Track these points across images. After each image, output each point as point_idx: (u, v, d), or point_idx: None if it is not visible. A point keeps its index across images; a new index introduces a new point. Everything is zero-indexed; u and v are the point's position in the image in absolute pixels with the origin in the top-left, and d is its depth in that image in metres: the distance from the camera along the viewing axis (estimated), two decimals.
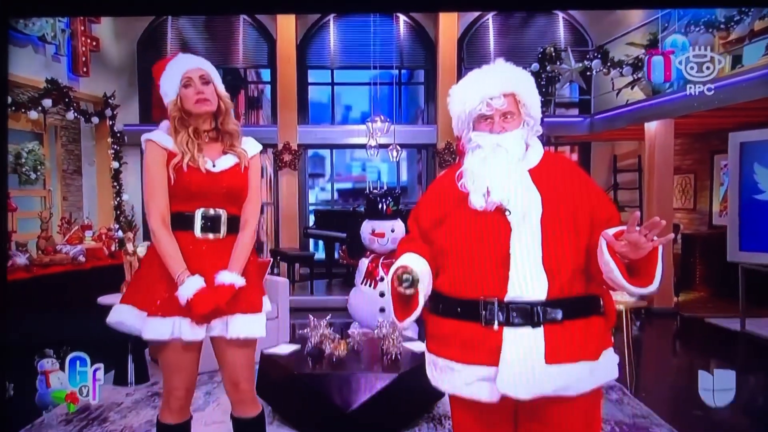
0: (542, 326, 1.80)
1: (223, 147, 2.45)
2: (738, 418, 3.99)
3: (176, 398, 2.44)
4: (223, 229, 2.41)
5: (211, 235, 2.40)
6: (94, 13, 7.92)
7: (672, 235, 1.75)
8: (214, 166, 2.39)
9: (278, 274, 8.50)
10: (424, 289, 1.90)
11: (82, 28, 8.21)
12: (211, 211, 2.39)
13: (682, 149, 9.16)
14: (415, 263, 1.92)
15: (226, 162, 2.42)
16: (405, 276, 1.83)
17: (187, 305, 2.27)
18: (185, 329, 2.32)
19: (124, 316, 2.38)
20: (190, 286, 2.28)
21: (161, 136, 2.41)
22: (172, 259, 2.32)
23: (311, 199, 10.48)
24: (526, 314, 1.80)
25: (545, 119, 8.17)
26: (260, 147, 2.57)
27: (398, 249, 2.11)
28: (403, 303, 1.93)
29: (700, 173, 8.85)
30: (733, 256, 6.13)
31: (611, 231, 1.78)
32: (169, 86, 2.42)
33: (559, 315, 1.81)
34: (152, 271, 2.39)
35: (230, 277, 2.34)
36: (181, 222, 2.38)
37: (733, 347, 6.16)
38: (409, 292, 1.84)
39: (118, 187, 8.75)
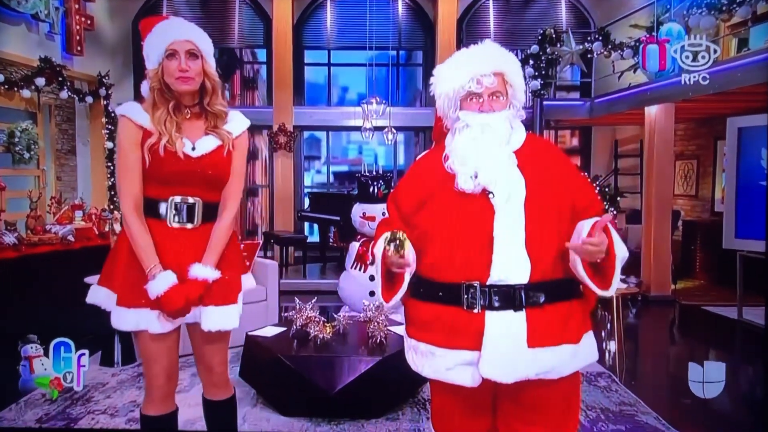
0: (524, 310, 1.79)
1: (206, 126, 2.24)
2: (729, 407, 3.97)
3: (157, 387, 2.32)
4: (198, 218, 2.25)
5: (184, 225, 2.24)
6: None
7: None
8: (193, 149, 2.20)
9: (272, 257, 8.47)
10: (410, 267, 1.87)
11: (77, 6, 8.12)
12: (185, 199, 2.23)
13: (685, 135, 9.06)
14: None
15: (207, 144, 2.23)
16: (392, 235, 1.79)
17: (156, 301, 2.15)
18: (153, 322, 2.20)
19: (100, 298, 2.28)
20: (160, 283, 2.14)
21: (136, 112, 2.19)
22: (144, 251, 2.17)
23: (307, 181, 10.44)
24: (508, 297, 1.79)
25: (545, 102, 8.09)
26: (247, 123, 2.36)
27: (377, 232, 2.08)
28: (389, 282, 1.92)
29: (703, 159, 8.76)
30: (729, 244, 6.07)
31: (587, 224, 1.79)
32: (152, 52, 2.20)
33: (541, 298, 1.80)
34: (123, 256, 2.24)
35: (203, 272, 2.20)
36: (153, 209, 2.22)
37: (729, 335, 6.12)
38: (393, 253, 1.79)
39: (112, 168, 8.70)
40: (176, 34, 2.19)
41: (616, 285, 1.81)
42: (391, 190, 2.21)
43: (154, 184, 2.21)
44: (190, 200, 2.24)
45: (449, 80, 1.92)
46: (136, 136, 2.17)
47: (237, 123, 2.33)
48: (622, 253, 1.79)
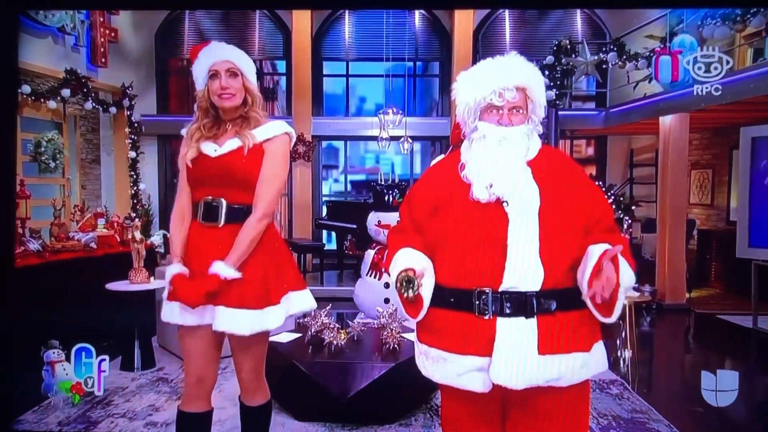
0: (535, 317, 1.80)
1: (235, 131, 2.40)
2: (743, 416, 3.95)
3: (187, 385, 2.42)
4: (222, 218, 2.36)
5: (211, 224, 2.37)
6: (109, 7, 8.03)
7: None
8: (215, 151, 2.36)
9: None
10: (429, 283, 1.90)
11: (101, 19, 8.33)
12: (210, 200, 2.37)
13: (701, 144, 9.02)
14: (415, 260, 1.92)
15: (228, 146, 2.36)
16: (406, 279, 1.83)
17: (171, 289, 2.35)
18: (176, 313, 2.35)
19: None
20: (169, 271, 2.37)
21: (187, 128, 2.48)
22: (173, 245, 2.44)
23: (324, 190, 10.54)
24: (520, 305, 1.80)
25: (561, 112, 8.13)
26: (281, 130, 2.43)
27: (389, 240, 2.11)
28: (410, 301, 1.93)
29: (718, 168, 8.72)
30: (742, 252, 6.05)
31: (596, 251, 1.79)
32: (198, 75, 2.42)
33: (553, 306, 1.81)
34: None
35: (219, 268, 2.27)
36: (194, 210, 2.44)
37: (744, 344, 6.08)
38: (410, 294, 1.82)
39: (135, 177, 8.88)
40: (216, 56, 2.39)
41: (618, 314, 1.81)
42: (404, 198, 2.25)
43: (193, 188, 2.43)
44: (214, 201, 2.38)
45: (471, 90, 1.92)
46: (184, 150, 2.46)
47: (268, 129, 2.42)
48: (627, 281, 1.79)
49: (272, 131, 2.41)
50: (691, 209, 8.71)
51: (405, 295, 1.83)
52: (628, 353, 4.90)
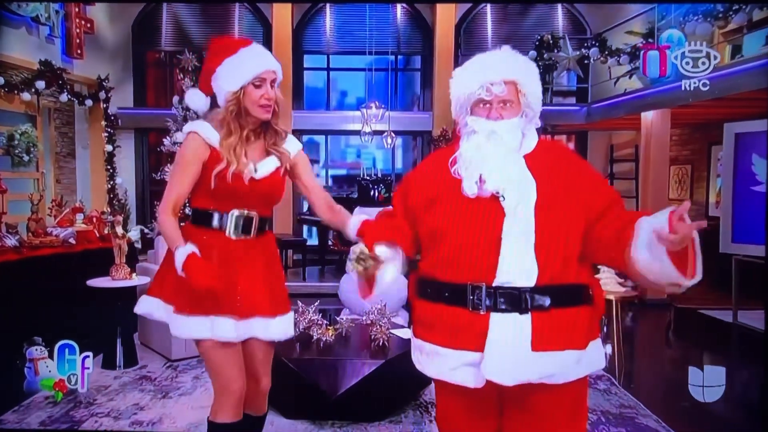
0: (530, 313, 1.78)
1: (266, 145, 2.32)
2: (725, 410, 3.99)
3: (233, 392, 2.32)
4: (254, 230, 2.33)
5: (242, 237, 2.30)
6: None
7: (704, 223, 1.71)
8: (255, 170, 2.26)
9: None
10: (391, 273, 1.92)
11: (77, 9, 8.16)
12: (244, 213, 2.30)
13: (680, 140, 9.11)
14: (387, 250, 1.92)
15: (268, 166, 2.31)
16: (360, 255, 1.85)
17: (183, 274, 2.12)
18: (222, 328, 2.23)
19: (152, 308, 2.30)
20: (181, 253, 2.14)
21: (207, 130, 2.24)
22: (172, 239, 2.19)
23: None
24: (514, 300, 1.77)
25: (542, 107, 8.13)
26: (300, 145, 2.47)
27: (375, 220, 2.13)
28: (365, 281, 1.95)
29: (697, 164, 8.80)
30: (726, 248, 6.12)
31: (652, 220, 1.73)
32: (234, 74, 2.23)
33: (547, 302, 1.78)
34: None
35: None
36: (212, 220, 2.30)
37: (724, 339, 6.15)
38: (359, 269, 1.85)
39: (111, 171, 8.73)
40: (267, 64, 2.26)
41: (700, 270, 1.73)
42: (400, 184, 2.22)
43: (215, 199, 2.28)
44: (249, 214, 2.32)
45: (461, 85, 1.91)
46: (203, 153, 2.23)
47: (293, 143, 2.43)
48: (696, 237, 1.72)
49: (296, 146, 2.44)
50: (670, 205, 8.77)
51: (353, 268, 1.85)
52: (612, 348, 4.91)
